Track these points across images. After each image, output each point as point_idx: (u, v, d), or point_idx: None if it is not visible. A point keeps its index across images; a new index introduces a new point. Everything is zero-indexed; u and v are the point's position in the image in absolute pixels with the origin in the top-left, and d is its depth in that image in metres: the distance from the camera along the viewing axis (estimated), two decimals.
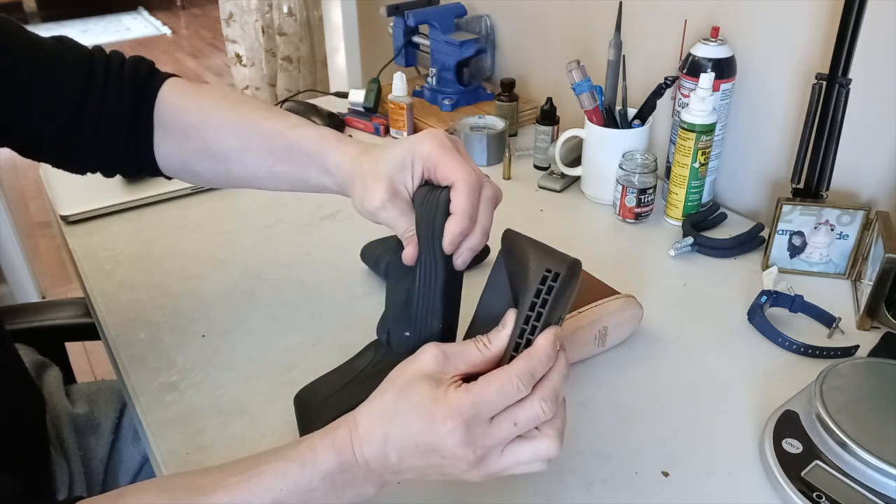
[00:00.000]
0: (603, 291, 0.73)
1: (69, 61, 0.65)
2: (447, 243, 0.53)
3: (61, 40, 0.66)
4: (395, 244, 0.80)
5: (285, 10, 2.66)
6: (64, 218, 0.96)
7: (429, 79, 1.29)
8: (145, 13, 5.28)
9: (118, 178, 1.02)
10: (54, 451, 0.76)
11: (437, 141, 0.54)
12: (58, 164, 0.69)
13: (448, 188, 0.53)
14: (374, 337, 0.71)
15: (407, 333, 0.59)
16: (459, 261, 0.55)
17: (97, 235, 0.94)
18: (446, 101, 1.26)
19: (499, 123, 1.13)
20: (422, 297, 0.57)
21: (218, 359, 0.72)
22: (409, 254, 0.55)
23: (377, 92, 1.25)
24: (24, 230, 2.28)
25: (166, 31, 4.96)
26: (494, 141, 1.10)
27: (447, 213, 0.53)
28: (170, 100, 0.68)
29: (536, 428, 0.46)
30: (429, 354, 0.46)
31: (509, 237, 0.54)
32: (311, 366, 0.69)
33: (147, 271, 0.86)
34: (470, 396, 0.44)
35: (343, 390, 0.62)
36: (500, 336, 0.48)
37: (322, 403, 0.61)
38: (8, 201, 2.10)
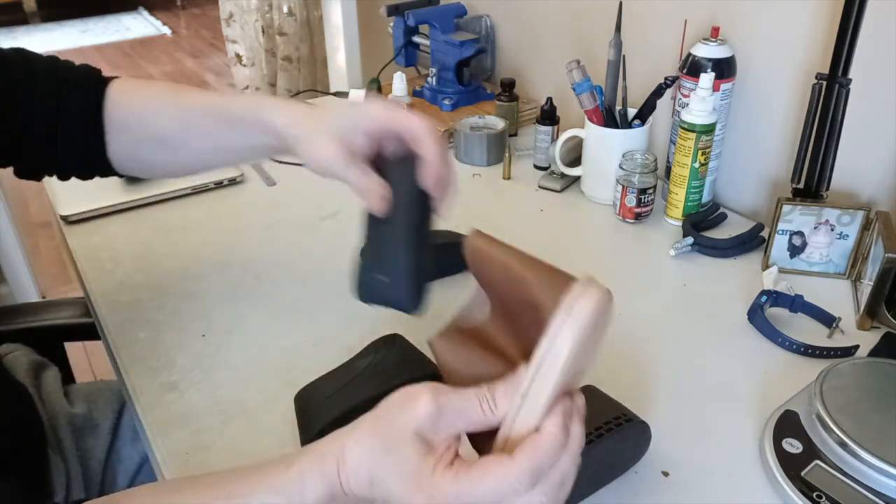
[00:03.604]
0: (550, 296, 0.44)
1: (38, 73, 0.67)
2: (434, 186, 0.57)
3: (20, 52, 0.68)
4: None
5: (285, 10, 2.66)
6: (64, 218, 0.96)
7: (429, 79, 1.29)
8: (145, 13, 5.28)
9: (118, 178, 1.02)
10: (52, 452, 0.76)
11: (384, 104, 0.59)
12: (21, 173, 0.71)
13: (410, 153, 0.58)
14: (375, 336, 0.71)
15: (382, 278, 0.60)
16: (444, 202, 0.59)
17: (97, 235, 0.94)
18: (446, 101, 1.26)
19: (499, 123, 1.13)
20: (396, 239, 0.59)
21: (218, 359, 0.72)
22: (378, 204, 0.58)
23: (377, 92, 1.25)
24: (24, 230, 2.27)
25: (166, 31, 4.96)
26: (494, 141, 1.10)
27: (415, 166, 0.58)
28: (116, 98, 0.70)
29: None
30: (423, 407, 0.40)
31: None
32: (311, 366, 0.69)
33: (147, 271, 0.86)
34: (457, 488, 0.39)
35: (343, 390, 0.62)
36: (509, 402, 0.40)
37: (322, 403, 0.61)
38: (8, 201, 2.10)
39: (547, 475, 0.40)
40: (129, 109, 0.70)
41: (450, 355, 0.46)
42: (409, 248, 0.58)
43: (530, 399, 0.39)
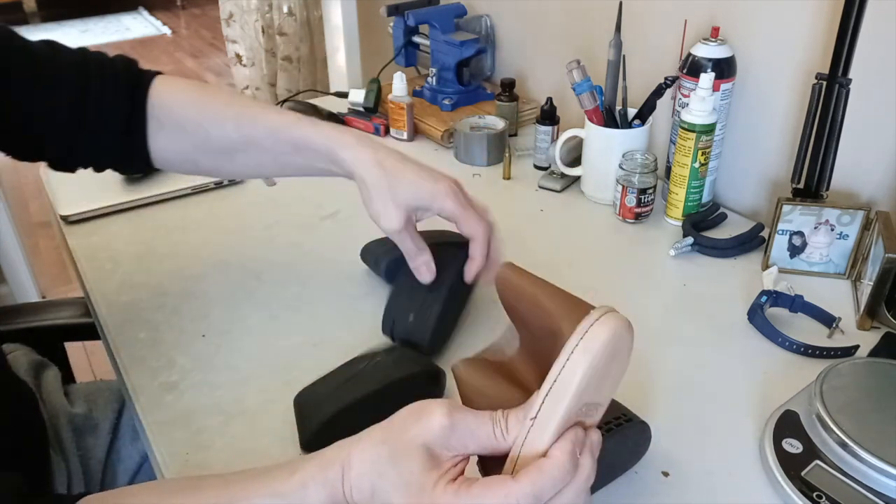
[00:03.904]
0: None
1: (64, 64, 0.66)
2: (469, 278, 0.70)
3: (50, 44, 0.68)
4: (394, 245, 0.82)
5: (285, 10, 2.66)
6: (64, 218, 0.96)
7: (429, 79, 1.29)
8: (145, 13, 5.27)
9: (118, 178, 1.02)
10: (52, 452, 0.76)
11: (457, 200, 0.66)
12: (55, 165, 0.71)
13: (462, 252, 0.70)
14: (375, 337, 0.71)
15: (410, 318, 0.69)
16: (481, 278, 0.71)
17: (97, 235, 0.94)
18: (446, 101, 1.26)
19: (499, 123, 1.13)
20: (433, 297, 0.70)
21: (218, 359, 0.72)
22: (424, 277, 0.69)
23: (377, 92, 1.25)
24: (24, 230, 2.27)
25: (166, 31, 4.96)
26: (494, 141, 1.10)
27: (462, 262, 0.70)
28: (165, 95, 0.70)
29: None
30: (436, 421, 0.40)
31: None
32: (311, 366, 0.69)
33: (147, 271, 0.86)
34: (458, 502, 0.38)
35: (343, 390, 0.62)
36: (522, 428, 0.40)
37: (322, 404, 0.61)
38: (8, 201, 2.10)
39: (552, 502, 0.39)
40: (182, 113, 0.70)
41: (472, 382, 0.46)
42: (441, 304, 0.69)
43: (539, 422, 0.39)
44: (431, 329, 0.69)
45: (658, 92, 0.93)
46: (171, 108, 0.70)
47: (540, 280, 0.46)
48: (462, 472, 0.41)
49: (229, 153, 0.71)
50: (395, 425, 0.42)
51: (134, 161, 0.72)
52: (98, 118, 0.67)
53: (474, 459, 0.43)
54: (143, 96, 0.69)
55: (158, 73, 0.72)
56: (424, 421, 0.40)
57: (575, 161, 1.03)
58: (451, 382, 0.66)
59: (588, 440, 0.41)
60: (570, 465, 0.39)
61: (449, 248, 0.71)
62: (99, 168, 0.73)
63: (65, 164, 0.71)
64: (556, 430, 0.39)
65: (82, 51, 0.69)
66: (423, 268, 0.69)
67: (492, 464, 0.42)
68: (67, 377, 0.93)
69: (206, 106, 0.70)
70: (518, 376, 0.46)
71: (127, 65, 0.70)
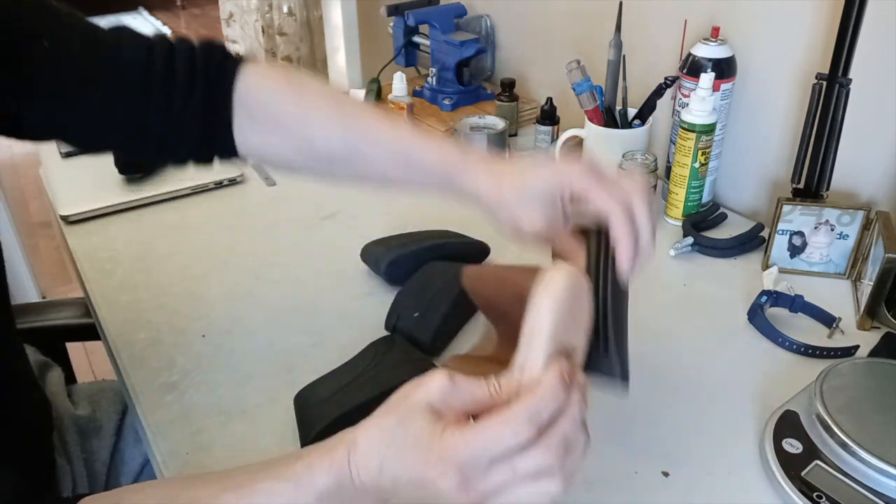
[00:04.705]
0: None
1: (125, 61, 0.61)
2: (626, 266, 0.54)
3: (119, 33, 0.63)
4: (395, 245, 0.82)
5: (285, 10, 2.66)
6: (64, 218, 0.96)
7: (429, 79, 1.29)
8: (145, 13, 5.27)
9: (118, 178, 1.02)
10: (57, 454, 0.76)
11: (582, 170, 0.55)
12: (130, 154, 0.66)
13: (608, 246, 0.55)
14: (375, 337, 0.71)
15: (416, 314, 0.69)
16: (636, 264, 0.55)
17: (97, 235, 0.94)
18: (446, 101, 1.26)
19: (499, 123, 1.13)
20: (440, 294, 0.69)
21: (218, 359, 0.72)
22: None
23: (377, 92, 1.25)
24: (24, 230, 2.28)
25: (166, 31, 4.96)
26: (494, 141, 1.10)
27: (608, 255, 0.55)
28: (259, 89, 0.63)
29: None
30: (436, 382, 0.42)
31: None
32: (311, 366, 0.69)
33: (147, 271, 0.86)
34: (464, 441, 0.40)
35: (342, 392, 0.62)
36: (511, 381, 0.43)
37: (322, 403, 0.61)
38: (8, 201, 2.10)
39: (548, 434, 0.40)
40: (279, 108, 0.63)
41: (464, 373, 0.49)
42: (447, 307, 0.68)
43: (527, 370, 0.42)
44: (434, 329, 0.69)
45: (658, 92, 0.93)
46: (267, 106, 0.63)
47: (500, 266, 0.51)
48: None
49: (331, 161, 0.64)
50: (396, 398, 0.44)
51: (216, 155, 0.66)
52: (167, 122, 0.62)
53: None
54: (227, 90, 0.63)
55: (242, 58, 0.64)
56: (425, 385, 0.43)
57: None
58: None
59: (574, 372, 0.43)
60: (560, 387, 0.41)
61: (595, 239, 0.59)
62: (180, 164, 0.66)
63: (139, 157, 0.66)
64: (542, 369, 0.42)
65: (152, 42, 0.63)
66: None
67: None
68: (69, 377, 0.93)
69: (310, 107, 0.63)
70: (505, 365, 0.49)
71: (208, 56, 0.63)
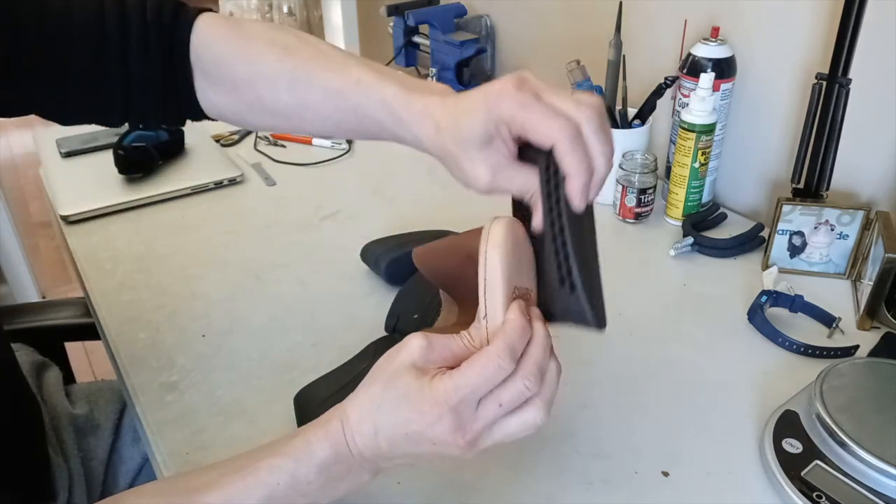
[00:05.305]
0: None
1: (77, 24, 0.58)
2: (579, 203, 0.48)
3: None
4: (395, 245, 0.82)
5: (285, 10, 2.66)
6: (64, 218, 0.96)
7: (429, 79, 1.29)
8: None
9: (118, 178, 1.02)
10: (53, 453, 0.76)
11: (515, 100, 0.47)
12: (98, 122, 0.64)
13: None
14: (375, 337, 0.71)
15: (415, 316, 0.69)
16: (592, 196, 0.50)
17: (97, 235, 0.94)
18: None
19: None
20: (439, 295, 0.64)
21: (218, 359, 0.72)
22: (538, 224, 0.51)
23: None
24: (24, 230, 2.28)
25: None
26: None
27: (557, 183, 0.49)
28: (211, 47, 0.61)
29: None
30: (414, 343, 0.46)
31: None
32: (311, 366, 0.69)
33: (147, 271, 0.86)
34: (453, 382, 0.43)
35: (343, 390, 0.62)
36: (480, 330, 0.46)
37: (322, 403, 0.61)
38: (8, 201, 2.10)
39: (523, 362, 0.45)
40: (230, 66, 0.61)
41: None
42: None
43: (490, 317, 0.46)
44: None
45: (658, 92, 0.93)
46: (219, 65, 0.61)
47: (445, 238, 0.53)
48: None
49: (286, 117, 0.61)
50: (379, 366, 0.47)
51: (184, 116, 0.65)
52: (128, 82, 0.60)
53: None
54: (184, 50, 0.61)
55: (200, 11, 0.62)
56: (405, 348, 0.46)
57: None
58: None
59: (532, 307, 0.48)
60: (524, 321, 0.45)
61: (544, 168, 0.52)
62: (151, 126, 0.66)
63: (108, 123, 0.64)
64: (504, 312, 0.46)
65: (98, 4, 0.60)
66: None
67: None
68: (68, 377, 0.93)
69: (257, 63, 0.60)
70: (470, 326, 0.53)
71: (158, 10, 0.60)
